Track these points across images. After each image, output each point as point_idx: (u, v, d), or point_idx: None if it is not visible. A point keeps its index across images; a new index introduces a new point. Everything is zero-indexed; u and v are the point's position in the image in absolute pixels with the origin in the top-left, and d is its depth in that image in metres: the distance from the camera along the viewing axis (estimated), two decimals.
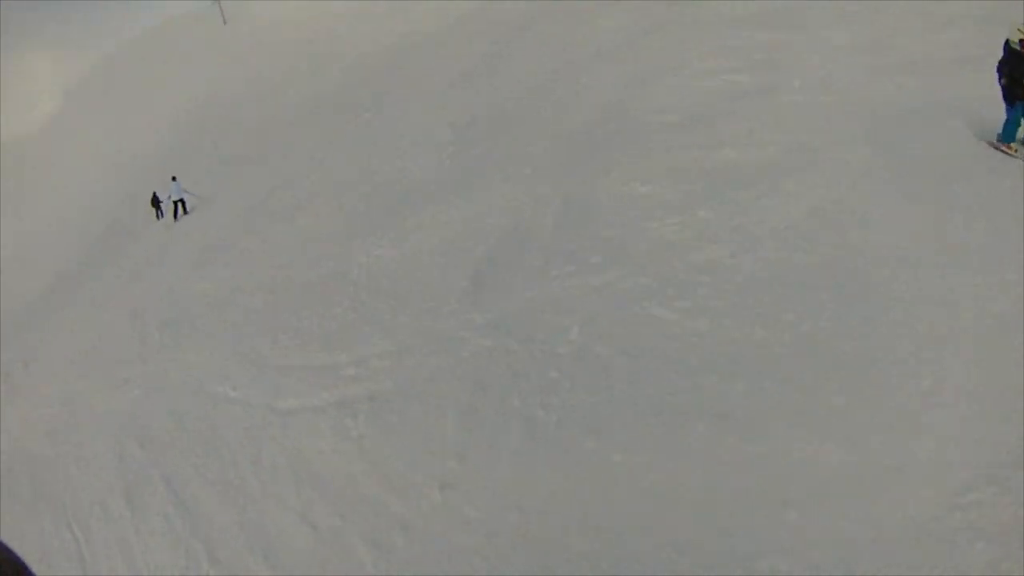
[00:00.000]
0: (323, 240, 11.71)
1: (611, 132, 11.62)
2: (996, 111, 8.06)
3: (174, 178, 21.52)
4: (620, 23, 19.63)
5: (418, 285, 8.39)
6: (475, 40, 24.45)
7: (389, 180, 13.07)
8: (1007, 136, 7.99)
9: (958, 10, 15.51)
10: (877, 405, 5.15)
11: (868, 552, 4.16)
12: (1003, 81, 7.93)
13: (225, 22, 50.29)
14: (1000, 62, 8.01)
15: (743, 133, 10.51)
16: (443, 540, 5.13)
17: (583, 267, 7.70)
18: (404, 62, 26.34)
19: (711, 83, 12.65)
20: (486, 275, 8.06)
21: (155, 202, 22.58)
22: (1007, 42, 7.89)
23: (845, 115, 10.00)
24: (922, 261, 6.51)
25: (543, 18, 24.19)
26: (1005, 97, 7.98)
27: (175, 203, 21.08)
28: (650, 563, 4.48)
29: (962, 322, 5.73)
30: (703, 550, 4.46)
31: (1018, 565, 3.85)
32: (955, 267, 6.33)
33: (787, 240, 7.65)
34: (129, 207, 26.66)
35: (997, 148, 8.06)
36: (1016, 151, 7.90)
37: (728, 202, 8.60)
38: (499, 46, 22.12)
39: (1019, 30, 7.73)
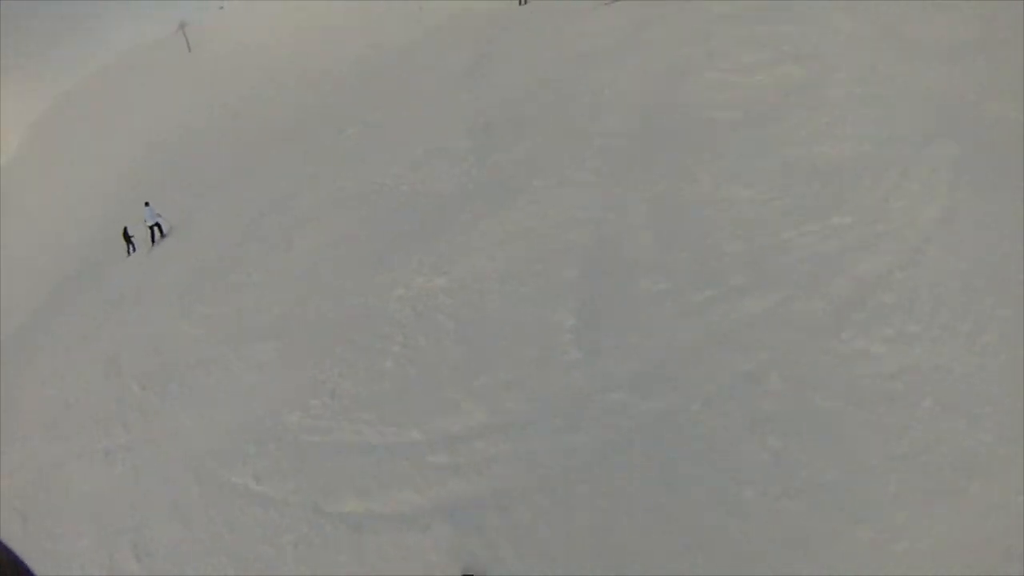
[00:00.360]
0: (338, 269, 9.16)
1: (669, 131, 9.48)
2: None
3: (147, 203, 18.74)
4: (607, 23, 17.67)
5: (498, 324, 5.97)
6: (457, 46, 22.18)
7: (408, 195, 10.61)
8: None
9: None
10: None
11: None
12: None
13: (190, 50, 46.82)
14: None
15: (822, 127, 8.61)
16: None
17: (726, 291, 5.44)
18: (387, 73, 23.91)
19: (757, 78, 10.66)
20: (594, 306, 5.72)
21: (126, 236, 19.52)
22: None
23: (908, 105, 8.44)
24: None
25: (523, 21, 22.10)
26: None
27: (150, 228, 18.39)
28: None
29: None
30: None
31: None
32: None
33: (945, 243, 5.60)
34: (101, 241, 23.37)
35: None
36: None
37: (856, 205, 6.57)
38: (490, 47, 19.84)
39: None
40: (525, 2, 25.86)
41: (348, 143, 16.96)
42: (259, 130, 25.93)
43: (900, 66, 9.78)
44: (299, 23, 39.30)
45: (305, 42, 35.62)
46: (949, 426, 4.04)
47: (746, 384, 4.39)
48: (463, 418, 4.89)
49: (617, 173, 8.38)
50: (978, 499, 3.57)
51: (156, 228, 18.40)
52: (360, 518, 4.49)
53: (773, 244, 6.14)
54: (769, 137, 8.62)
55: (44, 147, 41.29)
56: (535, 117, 12.12)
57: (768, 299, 5.23)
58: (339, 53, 28.59)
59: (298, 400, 6.28)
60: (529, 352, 5.36)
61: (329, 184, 13.95)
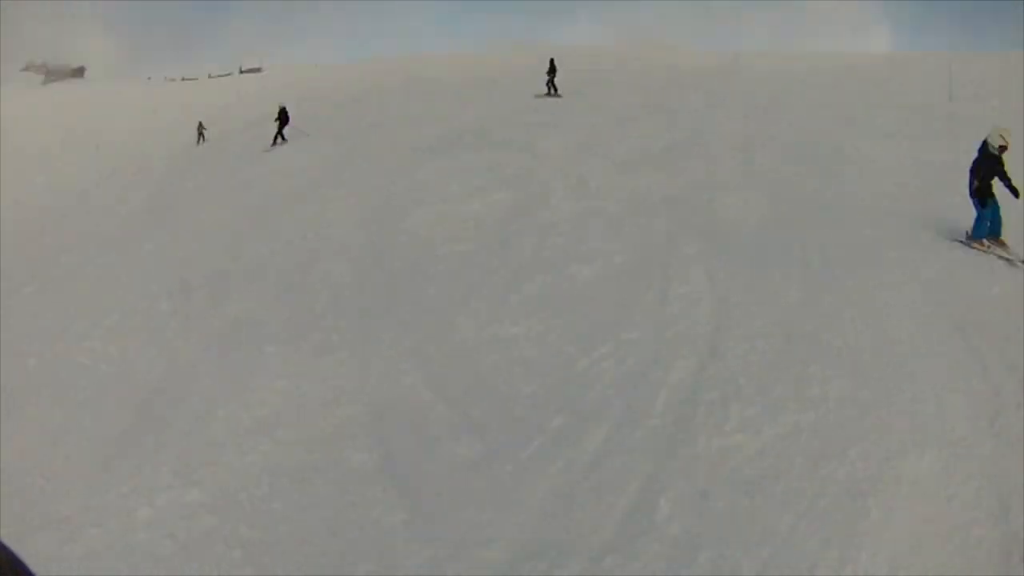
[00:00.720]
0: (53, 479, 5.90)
1: (402, 273, 8.66)
2: None
3: None
4: (299, 162, 16.71)
5: (289, 539, 4.09)
6: (138, 188, 18.76)
7: (112, 377, 7.54)
8: (978, 233, 7.52)
9: (629, 109, 16.90)
10: None
11: None
12: (976, 183, 7.49)
13: None
14: (974, 163, 7.59)
15: (561, 247, 8.77)
16: None
17: (549, 438, 4.61)
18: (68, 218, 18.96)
19: (474, 206, 10.66)
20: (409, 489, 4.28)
21: None
22: (984, 144, 7.51)
23: (626, 209, 9.38)
24: None
25: (206, 163, 19.77)
26: (974, 196, 7.54)
27: None
28: None
29: None
30: None
31: None
32: None
33: (733, 328, 5.99)
34: None
35: (968, 245, 7.57)
36: (988, 247, 7.42)
37: (639, 317, 6.70)
38: (173, 189, 17.05)
39: (1001, 135, 7.40)
40: (202, 142, 23.79)
41: (26, 305, 12.41)
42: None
43: (610, 177, 10.36)
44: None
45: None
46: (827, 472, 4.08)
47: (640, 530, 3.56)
48: None
49: (361, 329, 7.19)
50: None
51: None
52: None
53: (570, 376, 5.61)
54: (511, 265, 8.38)
55: None
56: (241, 270, 10.20)
57: (596, 434, 4.60)
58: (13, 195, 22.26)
59: None
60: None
61: (9, 364, 9.58)
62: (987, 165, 7.40)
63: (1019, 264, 7.09)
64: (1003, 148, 7.37)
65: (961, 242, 7.62)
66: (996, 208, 7.43)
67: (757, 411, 4.78)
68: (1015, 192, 7.28)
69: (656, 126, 15.29)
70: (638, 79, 21.62)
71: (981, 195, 7.45)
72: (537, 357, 6.15)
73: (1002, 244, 7.41)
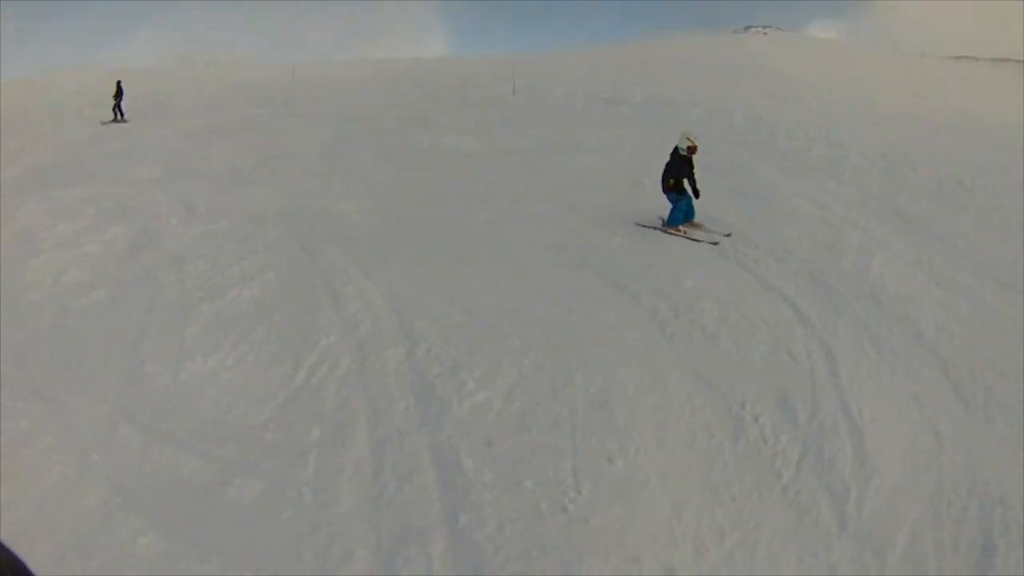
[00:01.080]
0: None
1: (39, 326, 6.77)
2: None
3: None
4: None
5: None
6: None
7: None
8: (673, 222, 8.58)
9: (205, 128, 16.20)
10: None
11: None
12: (670, 180, 8.38)
13: None
14: (667, 165, 8.46)
15: (216, 270, 8.15)
16: None
17: None
18: None
19: (90, 247, 9.04)
20: None
21: None
22: (676, 149, 8.36)
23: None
24: None
25: None
26: (666, 192, 8.52)
27: None
28: None
29: None
30: None
31: None
32: None
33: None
34: None
35: (665, 231, 8.63)
36: (684, 232, 8.52)
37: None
38: None
39: (688, 139, 8.29)
40: None
41: None
42: None
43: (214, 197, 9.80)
44: None
45: None
46: (566, 396, 4.84)
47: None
48: None
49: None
50: None
51: None
52: None
53: (294, 392, 5.50)
54: (167, 301, 7.42)
55: None
56: None
57: (361, 436, 4.75)
58: None
59: None
60: None
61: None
62: (677, 167, 8.35)
63: (719, 239, 8.31)
64: (692, 149, 8.31)
65: (642, 225, 8.87)
66: (688, 199, 8.54)
67: (483, 370, 5.58)
68: (696, 192, 8.42)
69: (238, 142, 15.05)
70: (206, 98, 20.73)
71: (674, 190, 8.49)
72: (250, 382, 5.81)
73: (698, 226, 8.62)
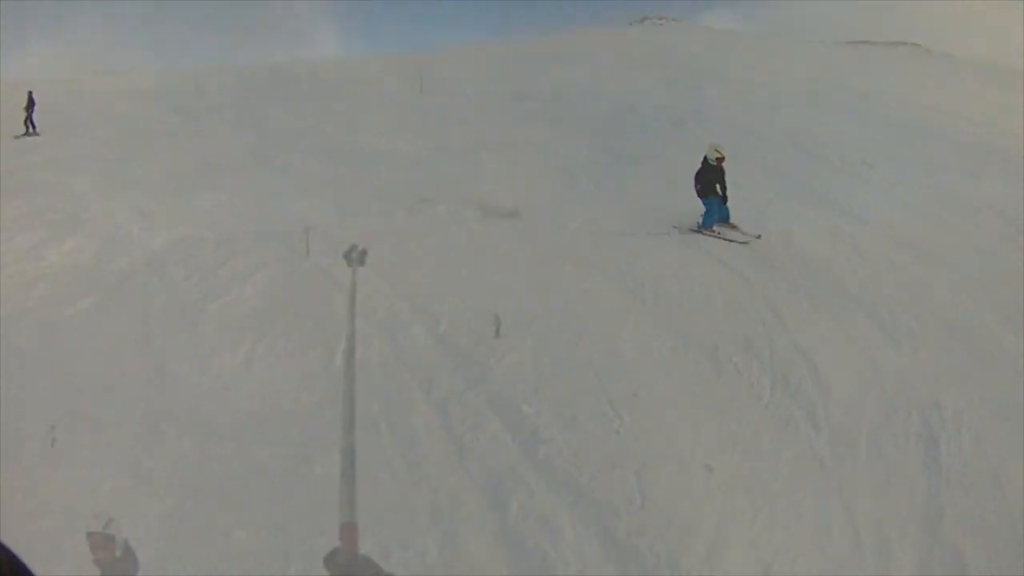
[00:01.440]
0: None
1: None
2: None
3: None
4: None
5: None
6: None
7: None
8: (708, 223, 8.85)
9: (124, 136, 15.41)
10: None
11: None
12: (698, 186, 8.77)
13: None
14: (697, 172, 8.80)
15: (204, 276, 8.16)
16: None
17: None
18: None
19: (51, 258, 8.72)
20: None
21: None
22: (705, 158, 8.74)
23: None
24: None
25: None
26: (701, 196, 8.83)
27: None
28: None
29: None
30: None
31: None
32: None
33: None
34: None
35: (699, 232, 8.87)
36: (718, 232, 8.78)
37: None
38: None
39: (716, 150, 8.65)
40: None
41: None
42: None
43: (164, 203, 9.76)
44: None
45: None
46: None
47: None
48: None
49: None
50: None
51: None
52: None
53: (324, 381, 5.99)
54: (161, 305, 7.50)
55: None
56: None
57: (422, 410, 5.40)
58: None
59: None
60: None
61: None
62: (708, 174, 8.76)
63: (750, 239, 8.54)
64: (720, 159, 8.67)
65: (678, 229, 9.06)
66: (720, 201, 8.81)
67: (531, 342, 6.27)
68: (725, 198, 8.78)
69: (165, 150, 14.12)
70: (112, 106, 19.22)
71: (704, 195, 8.82)
72: (289, 369, 6.20)
73: (733, 227, 8.80)
